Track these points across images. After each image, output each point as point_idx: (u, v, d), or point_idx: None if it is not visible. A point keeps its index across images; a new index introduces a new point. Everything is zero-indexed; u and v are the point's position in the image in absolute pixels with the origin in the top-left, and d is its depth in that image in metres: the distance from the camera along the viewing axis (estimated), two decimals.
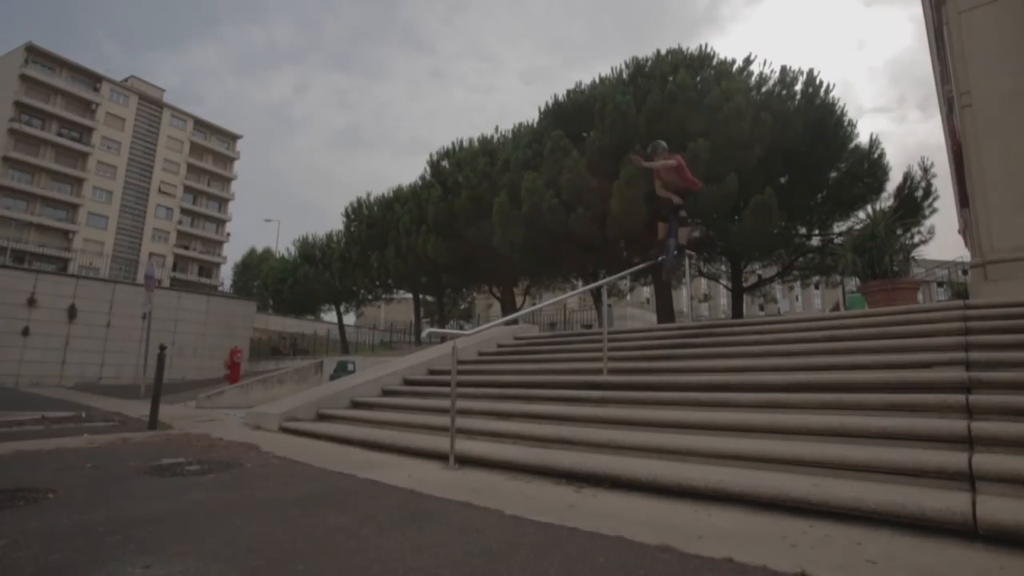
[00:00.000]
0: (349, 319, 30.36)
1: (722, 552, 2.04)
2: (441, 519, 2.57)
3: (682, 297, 22.33)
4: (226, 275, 56.56)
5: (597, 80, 15.14)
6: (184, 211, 55.86)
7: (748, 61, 14.11)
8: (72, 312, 18.88)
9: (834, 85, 15.04)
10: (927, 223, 12.85)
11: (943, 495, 2.35)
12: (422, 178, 20.62)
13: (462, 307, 34.41)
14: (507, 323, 9.31)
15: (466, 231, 17.26)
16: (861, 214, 13.25)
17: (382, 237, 20.95)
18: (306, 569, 1.92)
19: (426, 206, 18.72)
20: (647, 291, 36.57)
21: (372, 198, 22.85)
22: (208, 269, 57.20)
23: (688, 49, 14.40)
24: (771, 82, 13.73)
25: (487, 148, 18.62)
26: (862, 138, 14.14)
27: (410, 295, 25.02)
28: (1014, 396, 3.12)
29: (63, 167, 46.41)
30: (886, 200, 13.12)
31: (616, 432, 3.98)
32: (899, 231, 9.63)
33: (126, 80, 53.60)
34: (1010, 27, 7.14)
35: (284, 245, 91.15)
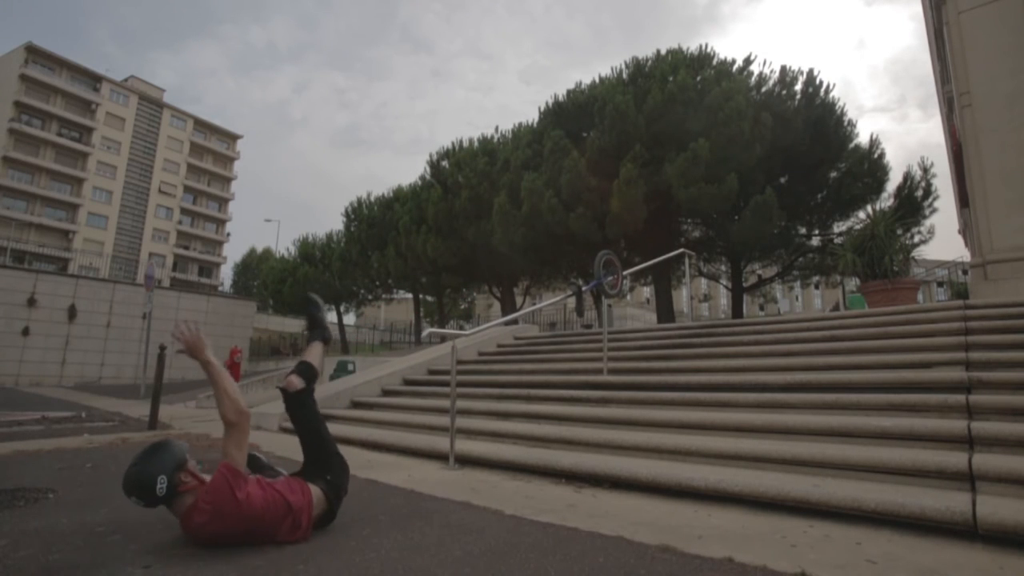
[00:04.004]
0: (349, 319, 30.43)
1: (722, 552, 2.04)
2: (441, 519, 2.57)
3: (682, 297, 22.31)
4: (226, 275, 56.72)
5: (597, 80, 15.15)
6: (184, 211, 55.84)
7: (748, 61, 14.13)
8: (72, 312, 18.87)
9: (834, 85, 15.09)
10: (927, 223, 12.90)
11: (943, 495, 2.35)
12: (422, 178, 20.67)
13: (462, 307, 34.46)
14: (507, 323, 9.31)
15: (466, 231, 17.28)
16: (861, 214, 13.28)
17: (382, 237, 20.97)
18: (306, 569, 1.92)
19: (426, 206, 18.74)
20: (647, 291, 36.59)
21: (372, 198, 22.90)
22: (208, 269, 57.17)
23: (688, 49, 14.42)
24: (771, 82, 13.75)
25: (487, 148, 18.63)
26: (862, 138, 14.20)
27: (410, 295, 25.04)
28: (1014, 396, 3.12)
29: (63, 167, 46.40)
30: (886, 200, 13.17)
31: (616, 432, 3.98)
32: (899, 231, 9.63)
33: (126, 80, 53.58)
34: (1010, 27, 7.15)
35: (284, 245, 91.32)
